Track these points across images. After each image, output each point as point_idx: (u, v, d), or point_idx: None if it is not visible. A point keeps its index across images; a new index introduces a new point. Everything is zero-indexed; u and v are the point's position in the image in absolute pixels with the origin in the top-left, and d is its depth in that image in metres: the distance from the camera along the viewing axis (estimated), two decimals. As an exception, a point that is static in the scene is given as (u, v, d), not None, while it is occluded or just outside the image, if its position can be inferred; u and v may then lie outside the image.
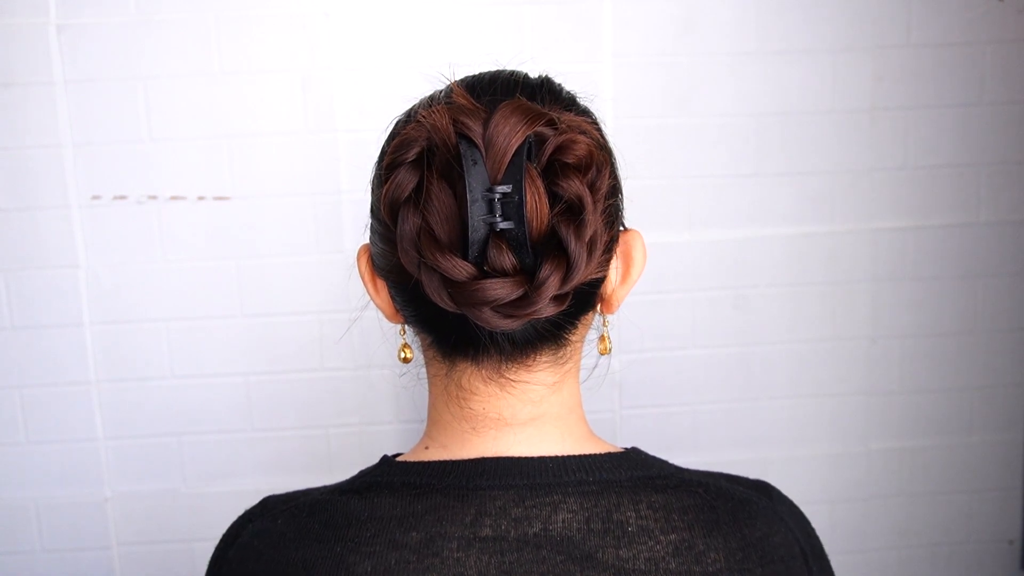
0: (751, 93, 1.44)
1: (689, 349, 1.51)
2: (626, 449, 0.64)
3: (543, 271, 0.53)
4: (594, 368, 0.67)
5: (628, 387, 1.51)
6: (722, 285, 1.49)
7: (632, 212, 0.66)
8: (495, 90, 0.59)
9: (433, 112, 0.55)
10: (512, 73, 0.62)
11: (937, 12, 1.44)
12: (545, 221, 0.54)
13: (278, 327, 1.46)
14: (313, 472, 1.49)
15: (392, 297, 0.63)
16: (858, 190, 1.48)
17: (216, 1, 1.37)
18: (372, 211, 0.63)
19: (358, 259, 0.65)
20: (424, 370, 0.66)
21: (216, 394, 1.48)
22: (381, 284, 0.64)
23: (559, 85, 0.63)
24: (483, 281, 0.53)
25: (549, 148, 0.55)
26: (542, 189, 0.54)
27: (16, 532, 1.50)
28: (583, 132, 0.56)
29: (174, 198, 1.42)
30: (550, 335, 0.60)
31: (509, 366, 0.60)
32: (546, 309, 0.54)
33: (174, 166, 1.41)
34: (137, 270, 1.44)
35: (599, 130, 0.60)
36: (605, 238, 0.58)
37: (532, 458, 0.61)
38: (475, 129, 0.54)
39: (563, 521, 0.58)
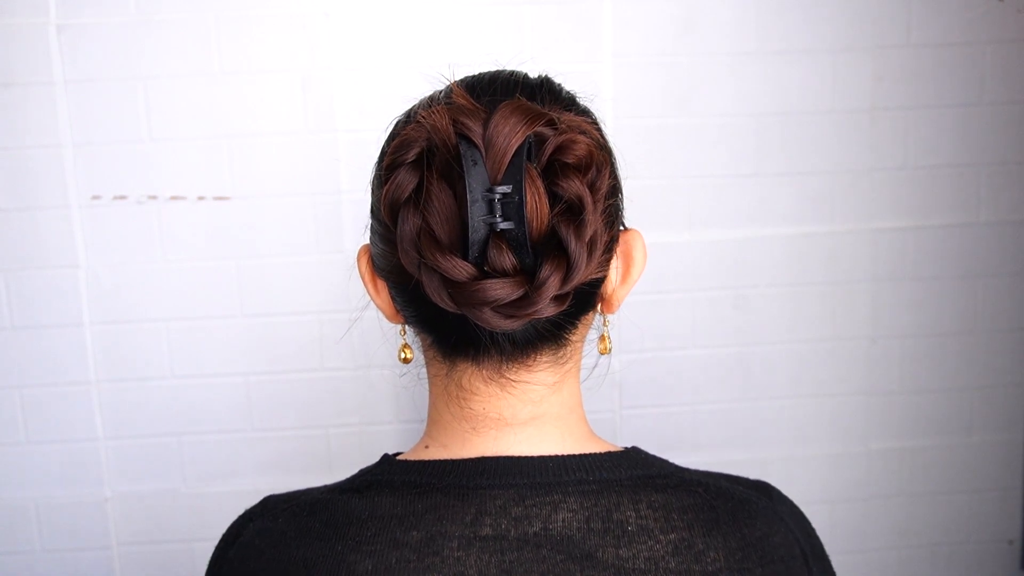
0: (751, 93, 1.44)
1: (689, 349, 1.51)
2: (626, 448, 0.64)
3: (543, 271, 0.53)
4: (594, 368, 0.67)
5: (628, 387, 1.51)
6: (722, 285, 1.49)
7: (632, 212, 0.66)
8: (495, 90, 0.59)
9: (433, 112, 0.55)
10: (512, 73, 0.62)
11: (937, 12, 1.44)
12: (545, 221, 0.54)
13: (278, 327, 1.46)
14: (313, 472, 1.50)
15: (392, 297, 0.63)
16: (858, 190, 1.48)
17: (216, 1, 1.37)
18: (372, 212, 0.63)
19: (358, 259, 0.65)
20: (424, 370, 0.66)
21: (216, 394, 1.48)
22: (381, 284, 0.64)
23: (559, 85, 0.63)
24: (483, 281, 0.53)
25: (549, 148, 0.55)
26: (542, 189, 0.54)
27: (16, 532, 1.50)
28: (583, 132, 0.56)
29: (174, 198, 1.42)
30: (550, 335, 0.60)
31: (509, 366, 0.60)
32: (546, 309, 0.54)
33: (174, 166, 1.41)
34: (137, 270, 1.44)
35: (599, 130, 0.60)
36: (605, 238, 0.58)
37: (532, 457, 0.61)
38: (475, 129, 0.54)
39: (563, 520, 0.58)
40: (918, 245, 1.50)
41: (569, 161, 0.55)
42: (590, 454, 0.62)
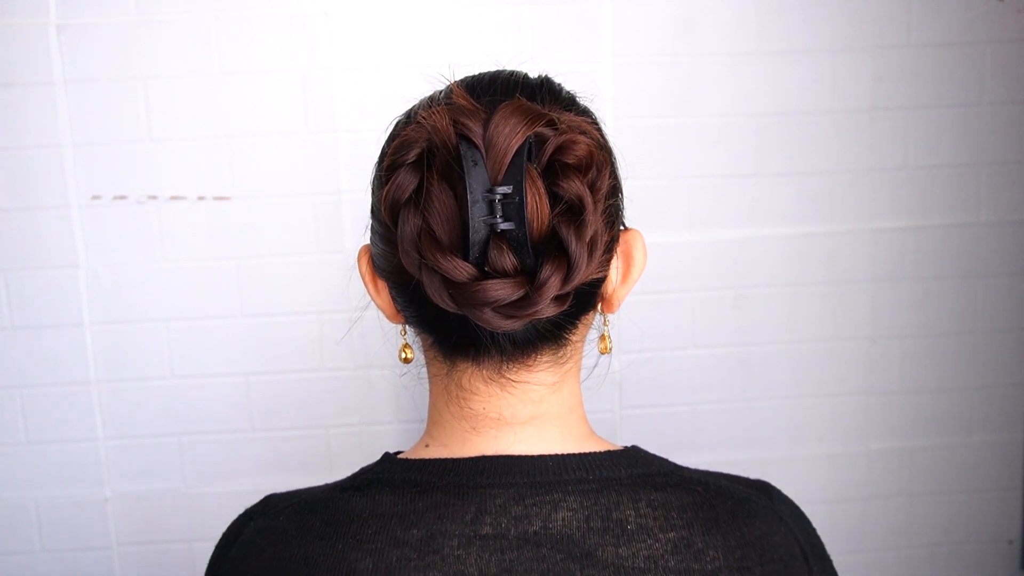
0: (751, 93, 1.44)
1: (689, 349, 1.51)
2: (626, 447, 0.64)
3: (544, 272, 0.53)
4: (594, 367, 0.67)
5: (628, 387, 1.51)
6: (722, 285, 1.49)
7: (632, 212, 0.66)
8: (495, 90, 0.59)
9: (433, 113, 0.55)
10: (512, 73, 0.62)
11: (937, 12, 1.44)
12: (546, 222, 0.54)
13: (278, 327, 1.46)
14: (313, 472, 1.50)
15: (393, 298, 0.63)
16: (858, 190, 1.48)
17: (216, 1, 1.37)
18: (372, 212, 0.63)
19: (359, 260, 0.65)
20: (424, 370, 0.66)
21: (216, 394, 1.48)
22: (382, 285, 0.64)
23: (559, 85, 0.63)
24: (484, 282, 0.53)
25: (549, 149, 0.55)
26: (542, 190, 0.54)
27: (16, 532, 1.50)
28: (583, 132, 0.56)
29: (174, 198, 1.42)
30: (551, 335, 0.60)
31: (510, 366, 0.61)
32: (547, 309, 0.54)
33: (174, 166, 1.41)
34: (137, 270, 1.44)
35: (599, 130, 0.60)
36: (606, 238, 0.58)
37: (532, 456, 0.61)
38: (475, 130, 0.54)
39: (563, 519, 0.58)
40: (918, 245, 1.50)
41: (569, 161, 0.55)
42: (590, 453, 0.62)
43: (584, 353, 0.65)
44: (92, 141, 1.40)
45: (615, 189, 0.61)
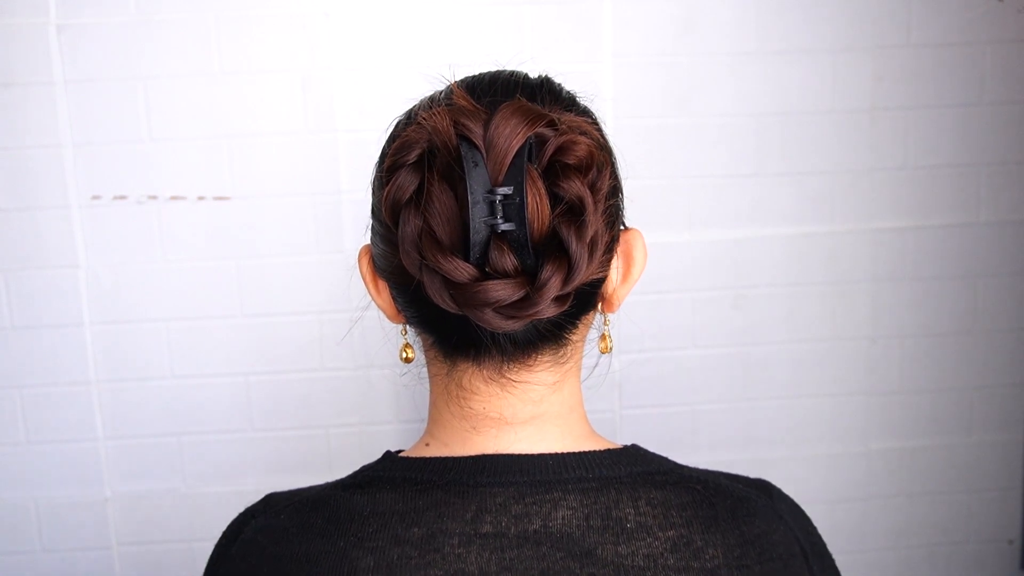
0: (751, 93, 1.44)
1: (689, 349, 1.51)
2: (626, 446, 0.64)
3: (544, 272, 0.53)
4: (595, 367, 0.67)
5: (628, 387, 1.51)
6: (722, 285, 1.49)
7: (632, 212, 0.66)
8: (495, 91, 0.59)
9: (434, 114, 0.55)
10: (512, 73, 0.62)
11: (937, 12, 1.44)
12: (546, 222, 0.54)
13: (278, 327, 1.46)
14: (313, 472, 1.50)
15: (394, 298, 0.63)
16: (858, 190, 1.48)
17: (216, 1, 1.37)
18: (373, 212, 0.63)
19: (359, 260, 0.65)
20: (425, 369, 0.66)
21: (216, 394, 1.48)
22: (383, 285, 0.64)
23: (559, 85, 0.63)
24: (485, 283, 0.53)
25: (550, 149, 0.55)
26: (543, 190, 0.54)
27: (16, 532, 1.50)
28: (583, 133, 0.56)
29: (174, 198, 1.42)
30: (551, 335, 0.60)
31: (510, 366, 0.61)
32: (548, 310, 0.54)
33: (174, 166, 1.41)
34: (137, 270, 1.44)
35: (599, 130, 0.60)
36: (606, 238, 0.58)
37: (532, 455, 0.61)
38: (476, 131, 0.54)
39: (563, 518, 0.58)
40: (918, 245, 1.50)
41: (570, 162, 0.55)
42: (589, 452, 0.62)
43: (584, 353, 0.65)
44: (92, 141, 1.40)
45: (615, 189, 0.61)
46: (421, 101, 0.62)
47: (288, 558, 0.59)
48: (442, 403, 0.64)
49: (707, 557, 0.58)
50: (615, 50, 1.42)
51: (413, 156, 0.55)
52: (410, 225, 0.55)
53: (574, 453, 0.62)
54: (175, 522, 1.51)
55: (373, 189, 0.63)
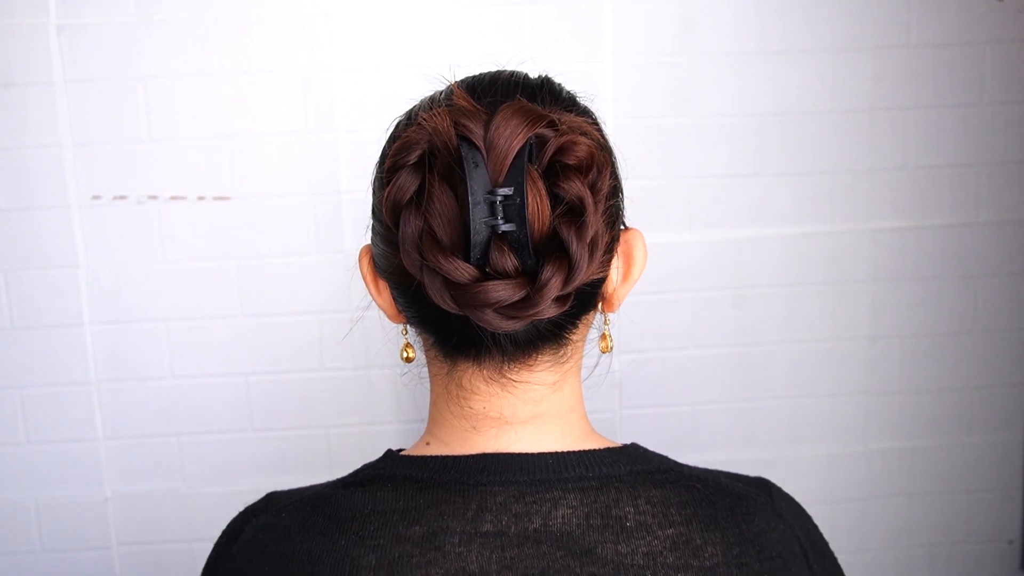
0: (751, 93, 1.44)
1: (689, 349, 1.51)
2: (625, 445, 0.64)
3: (545, 273, 0.53)
4: (595, 367, 0.67)
5: (628, 387, 1.51)
6: (722, 285, 1.49)
7: (632, 212, 0.66)
8: (495, 91, 0.59)
9: (434, 115, 0.55)
10: (512, 74, 0.62)
11: (937, 12, 1.44)
12: (547, 223, 0.54)
13: (278, 327, 1.46)
14: (313, 472, 1.50)
15: (394, 298, 0.63)
16: (858, 190, 1.48)
17: (216, 1, 1.37)
18: (374, 213, 0.63)
19: (360, 260, 0.65)
20: (425, 369, 0.66)
21: (216, 394, 1.48)
22: (383, 285, 0.64)
23: (559, 85, 0.63)
24: (485, 283, 0.53)
25: (550, 150, 0.55)
26: (543, 191, 0.54)
27: (16, 532, 1.50)
28: (584, 133, 0.56)
29: (174, 198, 1.42)
30: (551, 335, 0.60)
31: (511, 366, 0.61)
32: (548, 310, 0.54)
33: (174, 166, 1.41)
34: (137, 270, 1.44)
35: (599, 130, 0.60)
36: (606, 238, 0.58)
37: (532, 454, 0.61)
38: (476, 131, 0.54)
39: (563, 517, 0.58)
40: (918, 245, 1.50)
41: (570, 162, 0.55)
42: (589, 450, 0.62)
43: (584, 352, 0.65)
44: (92, 141, 1.40)
45: (615, 189, 0.61)
46: (421, 101, 0.62)
47: (289, 556, 0.59)
48: (442, 403, 0.64)
49: (706, 555, 0.58)
50: (615, 50, 1.42)
51: (414, 157, 0.55)
52: (411, 226, 0.55)
53: (574, 452, 0.62)
54: (175, 522, 1.51)
55: (373, 190, 0.63)
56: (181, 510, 1.51)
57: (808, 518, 0.69)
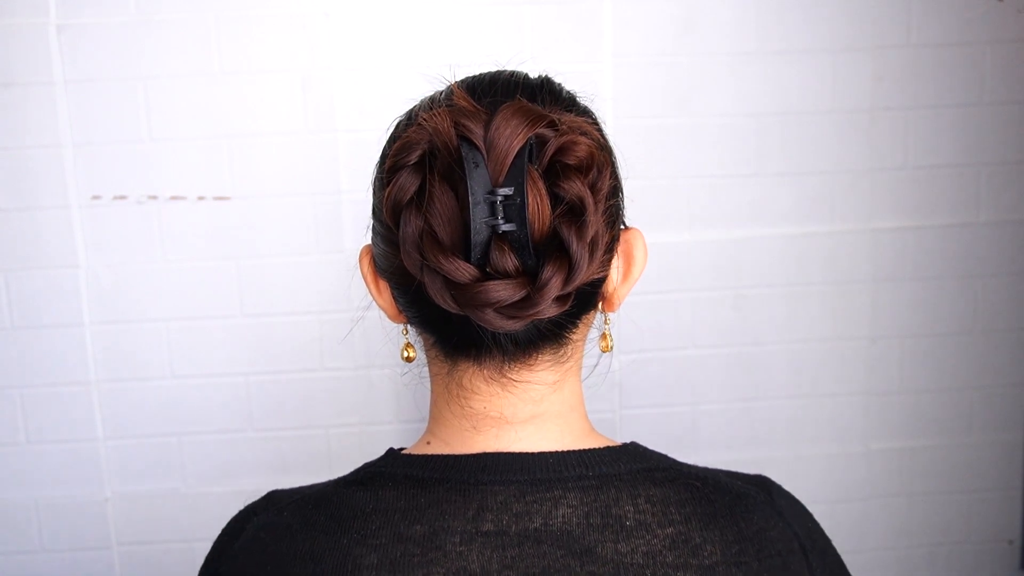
0: (751, 93, 1.44)
1: (689, 349, 1.51)
2: (625, 443, 0.64)
3: (545, 272, 0.54)
4: (595, 367, 0.67)
5: (628, 387, 1.51)
6: (722, 285, 1.49)
7: (632, 212, 0.66)
8: (495, 91, 0.59)
9: (434, 115, 0.55)
10: (512, 74, 0.62)
11: (937, 12, 1.44)
12: (547, 223, 0.54)
13: (278, 327, 1.46)
14: (313, 472, 1.50)
15: (395, 298, 0.64)
16: (858, 190, 1.48)
17: (216, 1, 1.37)
18: (374, 213, 0.63)
19: (360, 260, 0.65)
20: (425, 369, 0.66)
21: (216, 394, 1.48)
22: (383, 285, 0.64)
23: (559, 85, 0.63)
24: (486, 283, 0.53)
25: (550, 150, 0.55)
26: (544, 191, 0.54)
27: (16, 532, 1.50)
28: (584, 133, 0.56)
29: (174, 198, 1.43)
30: (552, 334, 0.61)
31: (511, 366, 0.61)
32: (549, 310, 0.55)
33: (174, 166, 1.41)
34: (137, 270, 1.44)
35: (600, 130, 0.60)
36: (606, 238, 0.58)
37: (532, 454, 0.61)
38: (476, 132, 0.54)
39: (563, 516, 0.58)
40: (918, 245, 1.50)
41: (570, 162, 0.55)
42: (589, 449, 0.62)
43: (585, 352, 0.65)
44: (92, 141, 1.40)
45: (616, 189, 0.61)
46: (421, 102, 0.62)
47: (291, 555, 0.59)
48: (443, 402, 0.64)
49: (705, 554, 0.58)
50: (615, 50, 1.42)
51: (414, 157, 0.55)
52: (411, 226, 0.55)
53: (574, 451, 0.62)
54: (175, 522, 1.51)
55: (374, 190, 0.63)
56: (181, 510, 1.51)
57: (808, 516, 0.69)
